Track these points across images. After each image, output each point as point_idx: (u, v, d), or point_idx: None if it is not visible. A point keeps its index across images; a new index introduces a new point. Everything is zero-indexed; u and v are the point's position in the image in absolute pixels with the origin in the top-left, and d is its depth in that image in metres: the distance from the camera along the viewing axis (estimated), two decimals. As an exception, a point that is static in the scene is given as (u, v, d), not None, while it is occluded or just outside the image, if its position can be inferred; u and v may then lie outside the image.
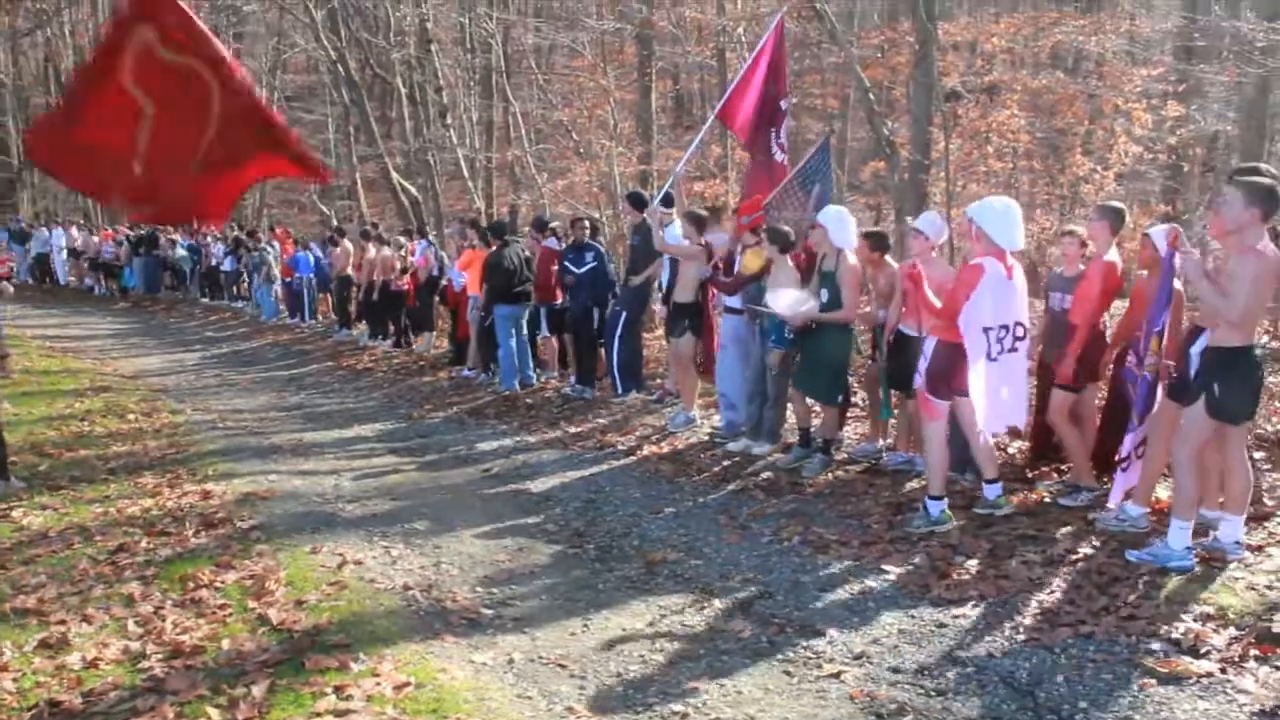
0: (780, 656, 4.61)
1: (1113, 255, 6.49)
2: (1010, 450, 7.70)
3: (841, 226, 7.35)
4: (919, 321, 6.96)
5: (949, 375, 6.10)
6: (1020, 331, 6.11)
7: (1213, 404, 5.10)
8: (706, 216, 9.53)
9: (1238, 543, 5.31)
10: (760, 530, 6.44)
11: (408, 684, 4.30)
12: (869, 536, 6.17)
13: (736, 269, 8.48)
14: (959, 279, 6.14)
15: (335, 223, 22.92)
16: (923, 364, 6.30)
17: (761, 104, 9.58)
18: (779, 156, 9.69)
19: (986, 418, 6.05)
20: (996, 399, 6.04)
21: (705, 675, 4.43)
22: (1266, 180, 5.01)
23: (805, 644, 4.73)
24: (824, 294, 7.41)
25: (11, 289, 20.89)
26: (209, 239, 23.89)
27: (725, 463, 8.07)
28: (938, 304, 6.17)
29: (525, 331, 11.76)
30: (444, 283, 14.34)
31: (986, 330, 5.93)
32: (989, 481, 6.34)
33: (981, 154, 14.48)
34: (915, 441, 7.54)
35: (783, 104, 9.78)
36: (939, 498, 6.20)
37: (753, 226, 8.28)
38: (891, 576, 5.53)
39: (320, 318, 19.22)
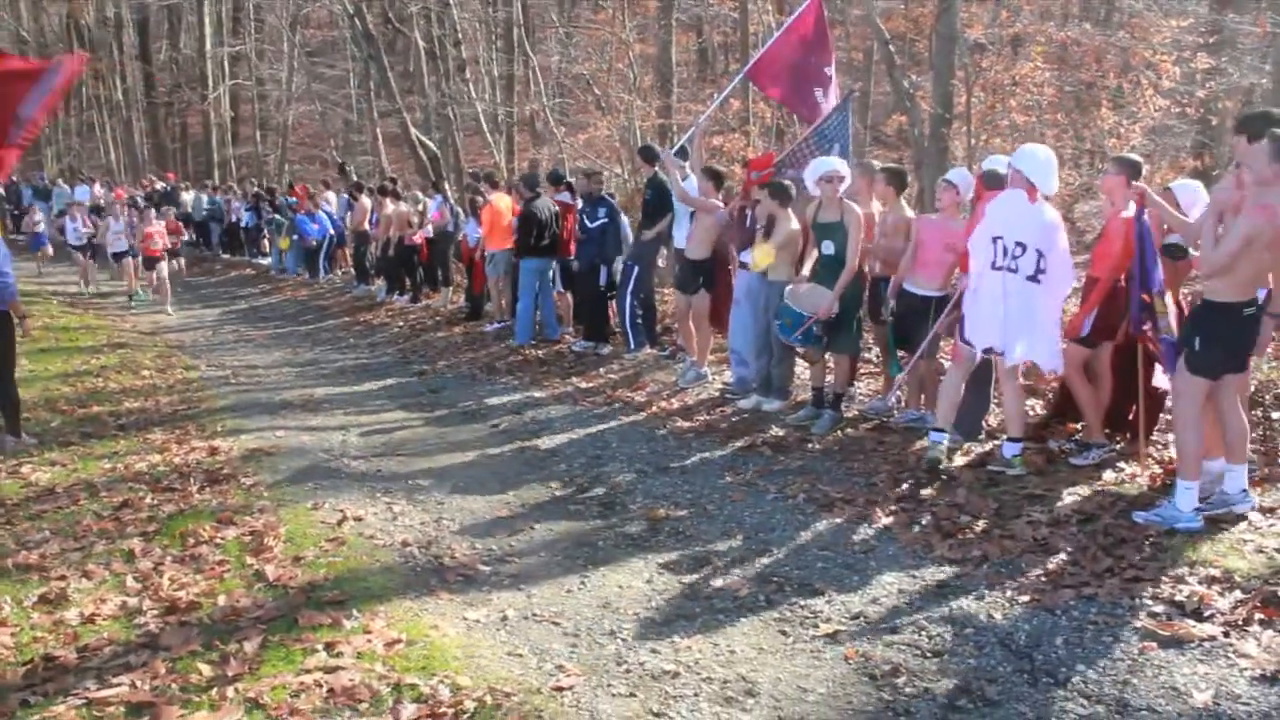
0: (777, 616, 4.56)
1: (1132, 210, 6.33)
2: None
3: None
4: (926, 278, 7.00)
5: None
6: (1037, 259, 6.00)
7: (1190, 358, 5.03)
8: (725, 172, 9.41)
9: (1244, 490, 5.22)
10: (766, 488, 6.38)
11: (399, 641, 4.28)
12: (875, 495, 6.09)
13: (748, 223, 8.37)
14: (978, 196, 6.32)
15: (355, 177, 22.84)
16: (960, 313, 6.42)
17: (802, 67, 9.43)
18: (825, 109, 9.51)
19: (973, 328, 6.19)
20: (986, 310, 6.14)
21: (700, 634, 4.38)
22: None
23: (803, 603, 4.67)
24: (828, 245, 7.31)
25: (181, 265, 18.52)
26: (230, 197, 23.91)
27: (735, 419, 8.00)
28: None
29: (558, 285, 11.72)
30: (459, 238, 14.29)
31: (995, 239, 6.05)
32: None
33: (1005, 107, 14.20)
34: (928, 399, 7.46)
35: (826, 69, 9.58)
36: (1017, 440, 6.30)
37: (762, 182, 8.13)
38: (895, 535, 5.47)
39: (339, 273, 19.22)
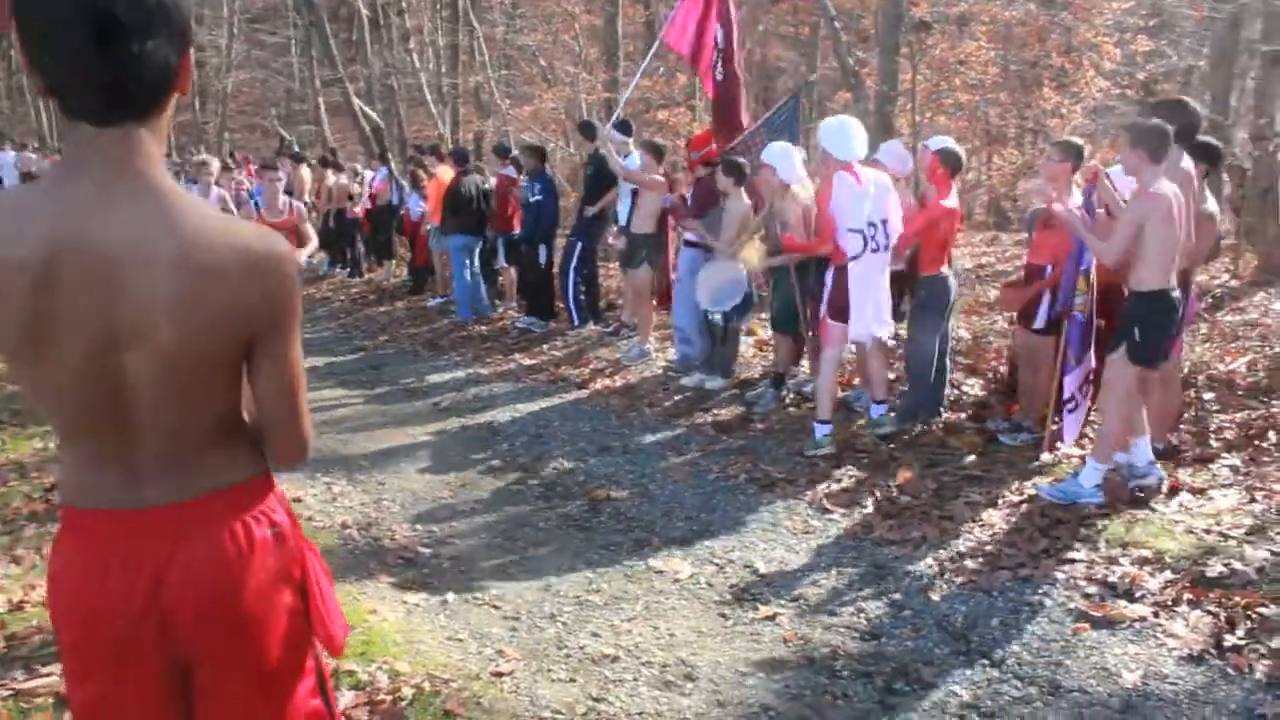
0: (717, 598, 4.57)
1: (1078, 199, 6.36)
2: (964, 387, 7.67)
3: (788, 162, 7.19)
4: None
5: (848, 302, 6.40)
6: (886, 231, 6.34)
7: (1133, 349, 5.16)
8: (666, 146, 9.35)
9: (1151, 462, 5.46)
10: (708, 467, 6.38)
11: (337, 626, 4.23)
12: (816, 475, 6.12)
13: (691, 202, 8.36)
14: (819, 200, 6.53)
15: (296, 148, 22.47)
16: (825, 292, 6.56)
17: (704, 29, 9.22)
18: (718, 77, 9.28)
19: (854, 328, 6.36)
20: (864, 305, 6.32)
21: (640, 617, 4.38)
22: (1153, 123, 5.13)
23: (744, 585, 4.69)
24: (776, 227, 7.32)
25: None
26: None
27: (678, 397, 8.00)
28: (808, 240, 6.74)
29: (477, 263, 11.58)
30: (402, 211, 14.12)
31: (852, 230, 6.22)
32: (878, 402, 6.72)
33: (949, 86, 14.28)
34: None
35: (717, 31, 9.31)
36: (826, 422, 6.52)
37: (705, 160, 8.12)
38: (836, 516, 5.50)
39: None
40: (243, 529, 1.84)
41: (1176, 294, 5.19)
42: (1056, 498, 5.34)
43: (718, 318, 7.86)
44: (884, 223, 6.31)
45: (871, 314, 6.35)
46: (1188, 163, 5.47)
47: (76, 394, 1.72)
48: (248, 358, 1.82)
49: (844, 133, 6.33)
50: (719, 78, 9.00)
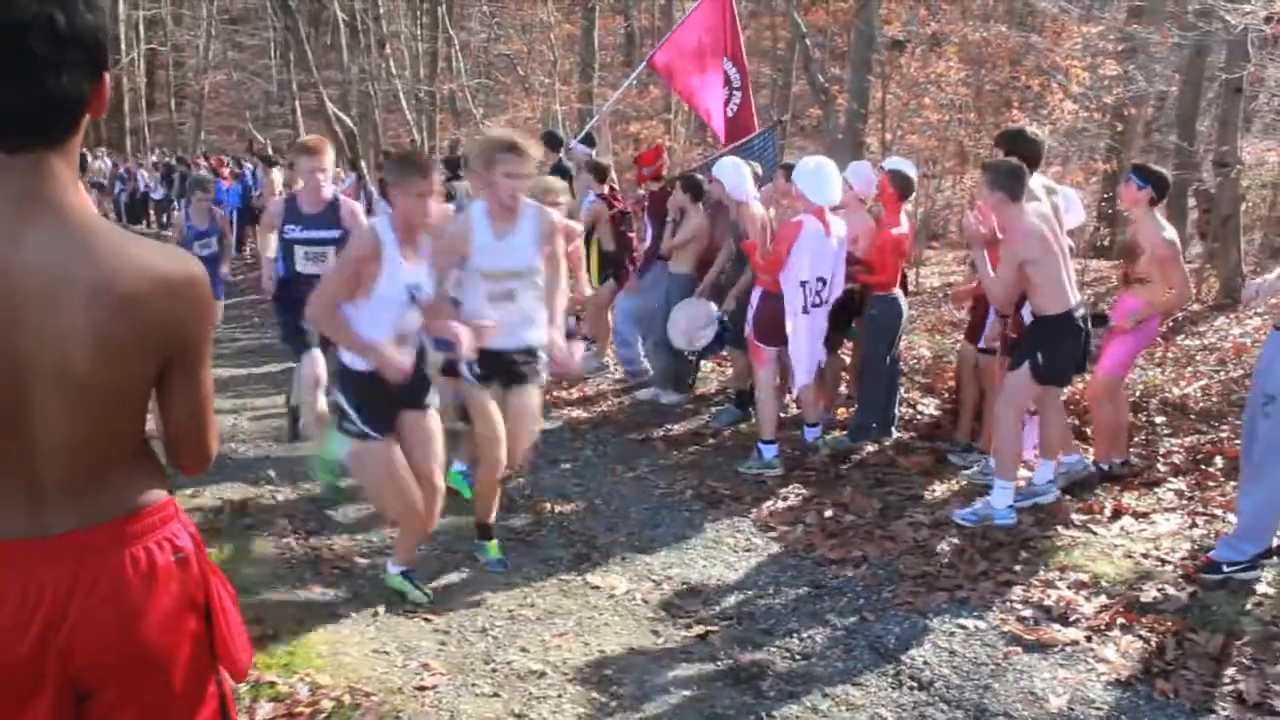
0: (651, 614, 4.54)
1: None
2: (920, 406, 7.67)
3: (737, 178, 7.16)
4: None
5: (777, 324, 6.29)
6: (826, 291, 6.32)
7: (1037, 369, 5.23)
8: (608, 167, 9.35)
9: (1050, 481, 5.56)
10: (655, 483, 6.35)
11: (264, 637, 4.16)
12: (762, 492, 6.10)
13: (647, 216, 8.36)
14: (779, 236, 6.33)
15: (270, 150, 22.35)
16: (751, 314, 6.52)
17: (704, 59, 9.35)
18: (716, 118, 9.46)
19: (805, 369, 6.38)
20: (810, 350, 6.35)
21: (571, 633, 4.34)
22: (1006, 162, 5.26)
23: (679, 602, 4.66)
24: (733, 244, 7.33)
25: None
26: (136, 165, 23.32)
27: (632, 411, 7.97)
28: (763, 255, 6.52)
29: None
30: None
31: (803, 284, 6.17)
32: (809, 425, 6.75)
33: (919, 105, 14.32)
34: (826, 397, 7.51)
35: (727, 68, 9.46)
36: (771, 441, 6.43)
37: (654, 176, 8.13)
38: (778, 534, 5.48)
39: (247, 250, 18.74)
40: (145, 555, 1.80)
41: (1081, 312, 5.26)
42: (971, 521, 5.36)
43: (692, 356, 7.90)
44: (827, 282, 6.27)
45: (812, 357, 6.43)
46: (1036, 182, 5.58)
47: None
48: (159, 378, 1.80)
49: (820, 176, 6.18)
50: (731, 114, 9.13)
